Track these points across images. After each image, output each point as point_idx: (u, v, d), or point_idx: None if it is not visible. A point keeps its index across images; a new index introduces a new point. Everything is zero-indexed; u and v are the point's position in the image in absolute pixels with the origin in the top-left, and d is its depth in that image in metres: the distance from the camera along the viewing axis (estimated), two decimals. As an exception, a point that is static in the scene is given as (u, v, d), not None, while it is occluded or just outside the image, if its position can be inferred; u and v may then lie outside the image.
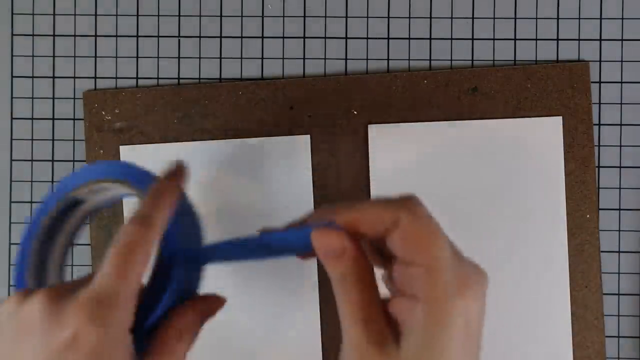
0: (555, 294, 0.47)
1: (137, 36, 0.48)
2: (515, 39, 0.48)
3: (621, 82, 0.48)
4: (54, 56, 0.48)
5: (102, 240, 0.47)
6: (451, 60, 0.48)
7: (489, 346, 0.46)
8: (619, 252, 0.48)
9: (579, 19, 0.48)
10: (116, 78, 0.48)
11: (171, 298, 0.33)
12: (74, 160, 0.48)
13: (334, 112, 0.47)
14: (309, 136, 0.47)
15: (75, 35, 0.48)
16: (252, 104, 0.47)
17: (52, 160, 0.48)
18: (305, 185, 0.47)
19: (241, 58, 0.48)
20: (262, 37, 0.48)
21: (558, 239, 0.47)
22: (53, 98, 0.48)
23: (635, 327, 0.47)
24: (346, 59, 0.48)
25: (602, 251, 0.47)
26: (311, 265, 0.47)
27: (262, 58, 0.48)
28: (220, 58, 0.48)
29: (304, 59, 0.48)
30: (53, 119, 0.48)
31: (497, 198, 0.47)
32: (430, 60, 0.48)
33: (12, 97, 0.48)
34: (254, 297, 0.47)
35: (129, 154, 0.47)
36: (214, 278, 0.47)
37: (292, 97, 0.47)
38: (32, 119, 0.48)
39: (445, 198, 0.47)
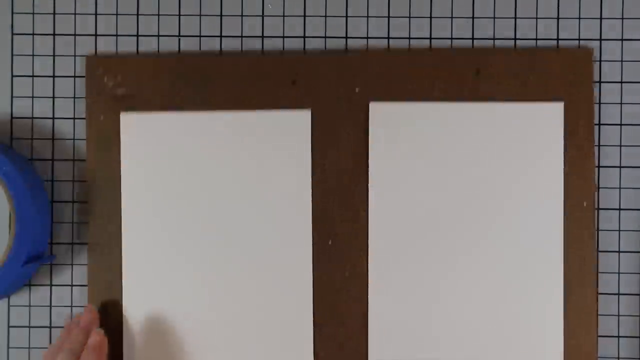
0: (550, 285, 0.47)
1: (137, 36, 0.48)
2: (515, 39, 0.48)
3: (621, 82, 0.48)
4: (54, 55, 0.48)
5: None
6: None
7: (481, 338, 0.47)
8: (619, 252, 0.48)
9: (579, 18, 0.48)
10: (116, 77, 0.48)
11: None
12: (74, 160, 0.48)
13: (336, 89, 0.47)
14: (309, 111, 0.47)
15: (75, 35, 0.48)
16: (254, 77, 0.47)
17: (52, 160, 0.48)
18: (304, 160, 0.47)
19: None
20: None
21: (554, 225, 0.47)
22: (53, 97, 0.48)
23: (635, 327, 0.47)
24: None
25: (601, 251, 0.47)
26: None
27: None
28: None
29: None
30: (53, 118, 0.48)
31: (495, 181, 0.47)
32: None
33: (12, 97, 0.48)
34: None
35: (130, 121, 0.47)
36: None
37: (294, 72, 0.47)
38: (32, 118, 0.48)
39: (442, 179, 0.47)
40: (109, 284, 0.47)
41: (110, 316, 0.47)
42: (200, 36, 0.48)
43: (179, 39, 0.48)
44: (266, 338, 0.47)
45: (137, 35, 0.48)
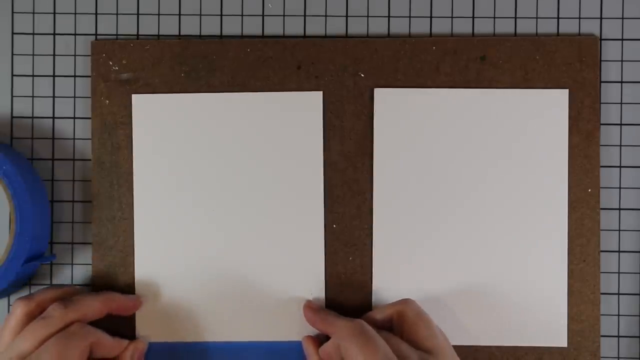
0: (553, 266, 0.47)
1: (138, 35, 0.48)
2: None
3: (621, 82, 0.48)
4: (54, 55, 0.48)
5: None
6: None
7: (483, 313, 0.47)
8: (619, 252, 0.48)
9: (579, 18, 0.48)
10: (117, 77, 0.48)
11: None
12: (74, 159, 0.48)
13: (341, 74, 0.47)
14: (321, 93, 0.47)
15: (75, 34, 0.48)
16: (260, 61, 0.47)
17: (52, 159, 0.48)
18: (316, 143, 0.47)
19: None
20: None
21: (559, 211, 0.47)
22: (53, 97, 0.48)
23: (635, 327, 0.48)
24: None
25: (602, 251, 0.47)
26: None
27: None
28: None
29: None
30: (53, 117, 0.48)
31: (500, 167, 0.47)
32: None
33: (12, 96, 0.48)
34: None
35: (141, 102, 0.47)
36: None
37: (299, 57, 0.47)
38: (32, 118, 0.48)
39: (447, 164, 0.47)
40: (116, 282, 0.47)
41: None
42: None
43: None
44: (279, 313, 0.47)
45: (137, 34, 0.48)
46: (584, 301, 0.47)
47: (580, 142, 0.47)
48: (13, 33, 0.48)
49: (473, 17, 0.48)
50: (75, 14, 0.48)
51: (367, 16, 0.48)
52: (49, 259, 0.47)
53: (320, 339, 0.46)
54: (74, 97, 0.48)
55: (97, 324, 0.44)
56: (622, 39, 0.48)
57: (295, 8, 0.48)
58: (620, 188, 0.48)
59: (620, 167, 0.48)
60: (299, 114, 0.47)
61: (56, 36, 0.48)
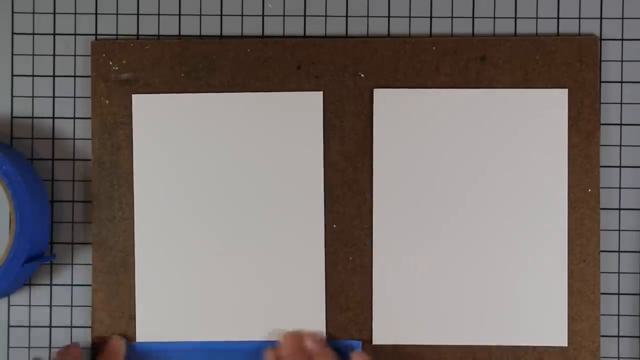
0: (553, 266, 0.47)
1: (138, 35, 0.48)
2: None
3: (621, 82, 0.48)
4: (54, 55, 0.48)
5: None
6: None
7: (485, 322, 0.47)
8: (619, 252, 0.48)
9: (579, 18, 0.48)
10: (117, 77, 0.48)
11: None
12: (74, 159, 0.48)
13: (341, 74, 0.47)
14: (321, 93, 0.47)
15: (75, 34, 0.48)
16: (259, 61, 0.47)
17: (52, 159, 0.48)
18: (316, 143, 0.47)
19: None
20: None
21: (558, 211, 0.47)
22: (53, 97, 0.48)
23: (635, 327, 0.48)
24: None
25: (602, 251, 0.47)
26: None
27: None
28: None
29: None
30: (53, 117, 0.48)
31: (500, 167, 0.47)
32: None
33: (12, 96, 0.48)
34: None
35: (141, 102, 0.47)
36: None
37: (299, 57, 0.47)
38: (32, 118, 0.48)
39: (447, 164, 0.47)
40: (117, 282, 0.47)
41: (119, 321, 0.47)
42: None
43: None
44: (279, 312, 0.47)
45: (137, 34, 0.48)
46: (584, 301, 0.47)
47: (580, 142, 0.47)
48: (13, 33, 0.48)
49: (473, 17, 0.48)
50: (75, 14, 0.48)
51: (367, 16, 0.48)
52: (49, 259, 0.47)
53: None
54: (74, 97, 0.48)
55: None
56: (622, 39, 0.48)
57: (295, 8, 0.48)
58: (620, 188, 0.48)
59: (620, 167, 0.48)
60: (299, 114, 0.47)
61: (56, 36, 0.48)
